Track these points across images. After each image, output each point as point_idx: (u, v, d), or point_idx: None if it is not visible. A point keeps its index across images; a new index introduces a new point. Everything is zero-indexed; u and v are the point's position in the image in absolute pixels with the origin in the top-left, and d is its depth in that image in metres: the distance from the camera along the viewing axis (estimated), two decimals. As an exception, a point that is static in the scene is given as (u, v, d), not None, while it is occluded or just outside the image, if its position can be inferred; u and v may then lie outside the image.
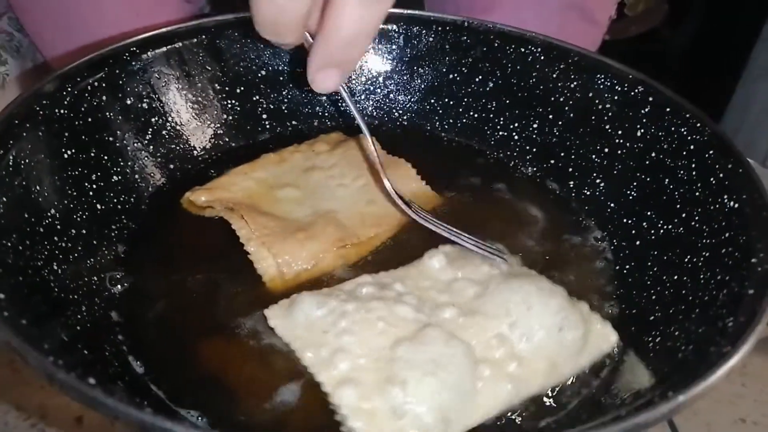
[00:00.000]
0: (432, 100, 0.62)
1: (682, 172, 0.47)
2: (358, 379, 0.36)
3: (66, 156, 0.45)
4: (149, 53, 0.52)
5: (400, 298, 0.41)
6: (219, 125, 0.57)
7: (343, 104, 0.62)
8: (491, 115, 0.60)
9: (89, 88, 0.47)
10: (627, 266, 0.47)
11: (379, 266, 0.46)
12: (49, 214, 0.41)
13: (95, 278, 0.43)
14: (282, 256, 0.45)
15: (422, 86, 0.62)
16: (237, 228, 0.47)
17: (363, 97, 0.63)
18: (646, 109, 0.51)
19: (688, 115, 0.48)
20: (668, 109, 0.49)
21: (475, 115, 0.61)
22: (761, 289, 0.33)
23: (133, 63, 0.51)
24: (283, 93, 0.60)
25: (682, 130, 0.48)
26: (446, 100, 0.62)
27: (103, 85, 0.49)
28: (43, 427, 0.79)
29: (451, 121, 0.62)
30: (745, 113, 1.24)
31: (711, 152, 0.45)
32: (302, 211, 0.49)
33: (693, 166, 0.46)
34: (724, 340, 0.31)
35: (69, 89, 0.46)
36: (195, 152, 0.55)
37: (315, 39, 0.37)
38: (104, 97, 0.49)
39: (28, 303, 0.33)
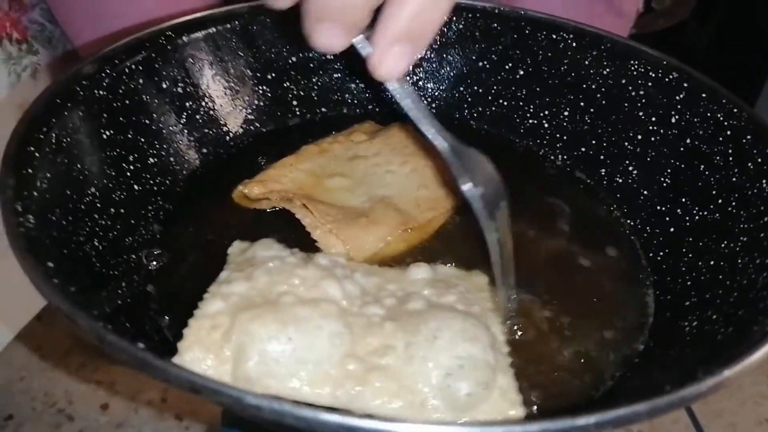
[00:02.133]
0: (461, 88, 0.62)
1: (718, 157, 0.46)
2: (234, 301, 0.36)
3: (105, 137, 0.46)
4: (184, 38, 0.52)
5: (343, 280, 0.40)
6: (251, 110, 0.57)
7: (374, 92, 0.63)
8: (521, 103, 0.60)
9: (127, 70, 0.48)
10: (660, 253, 0.47)
11: (439, 251, 0.46)
12: (89, 192, 0.42)
13: (133, 256, 0.43)
14: (351, 242, 0.45)
15: (451, 74, 0.62)
16: (301, 217, 0.47)
17: (392, 83, 0.63)
18: (681, 95, 0.50)
19: (724, 101, 0.47)
20: (704, 95, 0.49)
21: (505, 103, 0.61)
22: (804, 270, 0.33)
23: (169, 47, 0.51)
24: (314, 80, 0.61)
25: (719, 115, 0.47)
26: (475, 87, 0.62)
27: (140, 68, 0.49)
28: (69, 412, 0.81)
29: (480, 109, 0.62)
30: (775, 108, 1.22)
31: (748, 137, 0.44)
32: (357, 199, 0.49)
33: (730, 151, 0.46)
34: (766, 318, 0.31)
35: (108, 71, 0.47)
36: (228, 137, 0.56)
37: (383, 11, 0.32)
38: (141, 80, 0.49)
39: (73, 274, 0.34)
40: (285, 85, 0.59)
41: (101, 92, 0.46)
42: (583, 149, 0.57)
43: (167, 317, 0.41)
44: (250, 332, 0.34)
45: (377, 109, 0.63)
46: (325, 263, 0.40)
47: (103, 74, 0.46)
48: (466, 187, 0.37)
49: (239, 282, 0.38)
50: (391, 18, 0.31)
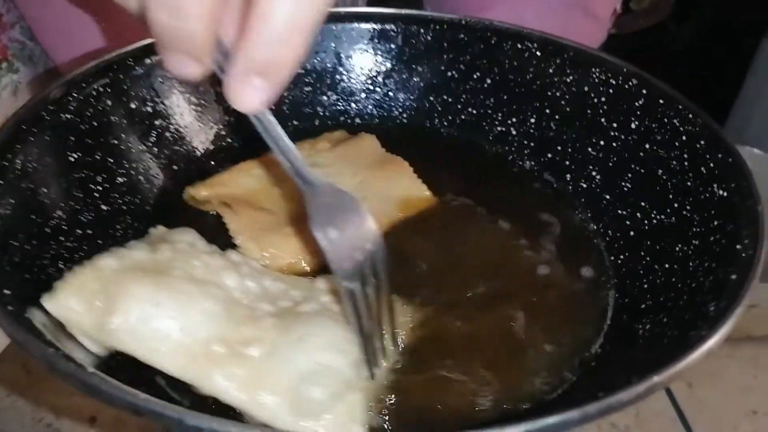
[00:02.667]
0: (431, 98, 0.63)
1: (674, 162, 0.47)
2: (127, 263, 0.37)
3: (72, 159, 0.46)
4: (153, 58, 0.53)
5: (246, 277, 0.40)
6: (221, 126, 0.58)
7: (345, 104, 0.64)
8: (489, 111, 0.61)
9: (94, 93, 0.49)
10: (621, 256, 0.48)
11: None
12: (55, 215, 0.43)
13: (101, 276, 0.44)
14: (267, 250, 0.46)
15: (421, 84, 0.63)
16: (228, 222, 0.48)
17: (363, 96, 0.64)
18: (640, 102, 0.51)
19: (680, 107, 0.48)
20: (661, 101, 0.50)
21: (474, 112, 0.62)
22: (744, 275, 0.34)
23: (137, 68, 0.52)
24: (285, 93, 0.62)
25: (675, 121, 0.48)
26: (445, 97, 0.63)
27: (108, 90, 0.50)
28: (57, 427, 0.81)
29: (450, 117, 0.63)
30: (754, 105, 1.23)
31: (702, 142, 0.45)
32: (296, 208, 0.50)
33: (685, 156, 0.47)
34: (704, 324, 0.32)
35: (75, 95, 0.48)
36: (198, 153, 0.57)
37: (236, 41, 0.30)
38: (109, 102, 0.50)
39: (33, 299, 0.35)
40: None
41: (68, 116, 0.47)
42: (549, 155, 0.58)
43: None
44: (124, 289, 0.35)
45: (349, 122, 0.64)
46: (235, 259, 0.41)
47: (70, 98, 0.47)
48: (317, 232, 0.34)
49: (141, 250, 0.38)
50: (244, 48, 0.29)
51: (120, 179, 0.50)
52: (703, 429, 0.86)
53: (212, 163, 0.57)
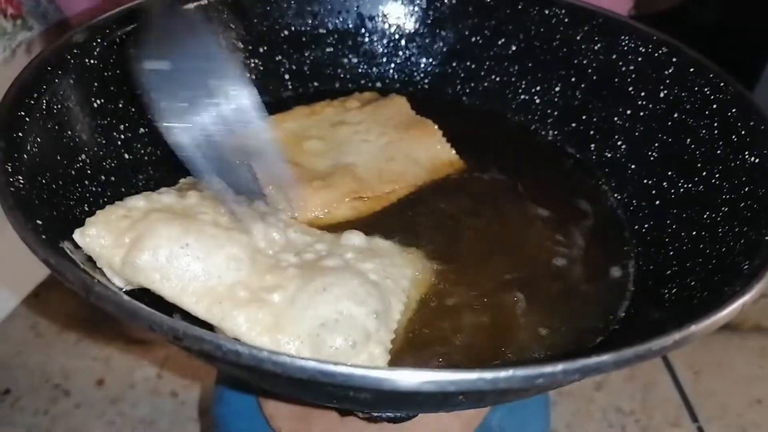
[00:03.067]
0: (454, 64, 0.62)
1: (704, 131, 0.47)
2: (156, 205, 0.38)
3: (96, 105, 0.46)
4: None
5: (271, 227, 0.40)
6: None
7: (366, 67, 0.63)
8: (513, 79, 0.60)
9: (118, 40, 0.49)
10: (646, 225, 0.48)
11: (384, 226, 0.46)
12: (80, 159, 0.43)
13: (123, 223, 0.44)
14: (295, 202, 0.46)
15: (444, 49, 0.62)
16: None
17: (384, 60, 0.63)
18: (670, 70, 0.51)
19: (711, 75, 0.48)
20: (692, 70, 0.49)
21: (497, 79, 0.61)
22: (779, 235, 0.33)
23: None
24: (306, 54, 0.61)
25: (706, 90, 0.48)
26: (468, 63, 0.62)
27: (132, 38, 0.49)
28: (66, 387, 0.82)
29: (473, 84, 0.62)
30: (775, 91, 1.22)
31: (734, 110, 0.45)
32: (323, 163, 0.50)
33: (715, 125, 0.46)
34: (738, 281, 0.32)
35: (98, 40, 0.47)
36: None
37: None
38: (132, 50, 0.50)
39: (62, 235, 0.35)
40: (277, 58, 0.60)
41: (92, 61, 0.46)
42: (573, 124, 0.57)
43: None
44: (152, 228, 0.36)
45: (369, 85, 0.63)
46: (263, 209, 0.41)
47: (94, 43, 0.47)
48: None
49: (170, 195, 0.39)
50: None
51: (142, 129, 0.49)
52: (708, 416, 0.86)
53: (233, 119, 0.56)
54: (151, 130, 0.50)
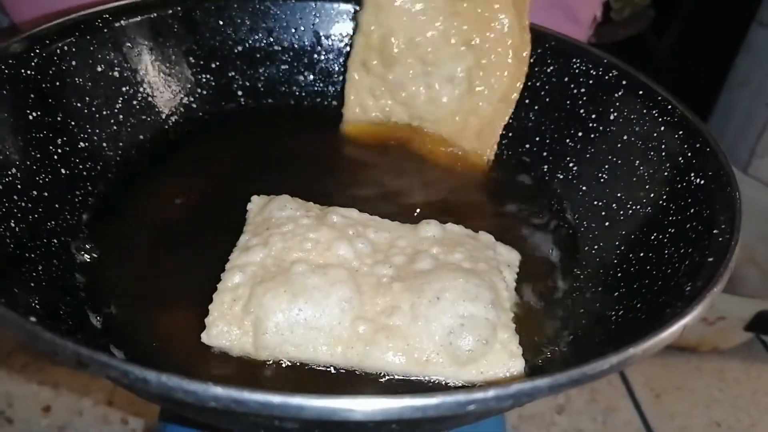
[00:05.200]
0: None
1: (652, 153, 0.47)
2: (251, 271, 0.39)
3: (31, 118, 0.44)
4: (122, 21, 0.51)
5: (355, 239, 0.42)
6: (192, 99, 0.56)
7: (323, 85, 0.62)
8: (468, 100, 0.60)
9: (58, 51, 0.47)
10: (596, 247, 0.47)
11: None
12: (9, 172, 0.41)
13: (55, 240, 0.42)
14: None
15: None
16: None
17: (341, 78, 0.62)
18: (620, 93, 0.51)
19: (659, 98, 0.48)
20: (641, 93, 0.49)
21: (453, 100, 0.61)
22: (720, 256, 0.33)
23: (105, 30, 0.50)
24: (260, 70, 0.60)
25: (654, 112, 0.48)
26: (424, 84, 0.62)
27: (73, 50, 0.48)
28: (9, 415, 0.78)
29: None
30: (728, 120, 1.26)
31: (680, 132, 0.45)
32: None
33: (663, 147, 0.46)
34: (680, 303, 0.31)
35: (37, 51, 0.45)
36: (167, 125, 0.54)
37: None
38: (74, 63, 0.48)
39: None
40: (230, 74, 0.58)
41: (29, 72, 0.45)
42: (527, 145, 0.57)
43: (90, 304, 0.40)
44: (264, 305, 0.37)
45: (326, 103, 0.62)
46: (337, 221, 0.43)
47: (32, 54, 0.45)
48: None
49: (257, 249, 0.40)
50: None
51: (81, 144, 0.48)
52: (669, 440, 0.86)
53: (181, 134, 0.55)
54: (91, 144, 0.49)
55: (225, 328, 0.37)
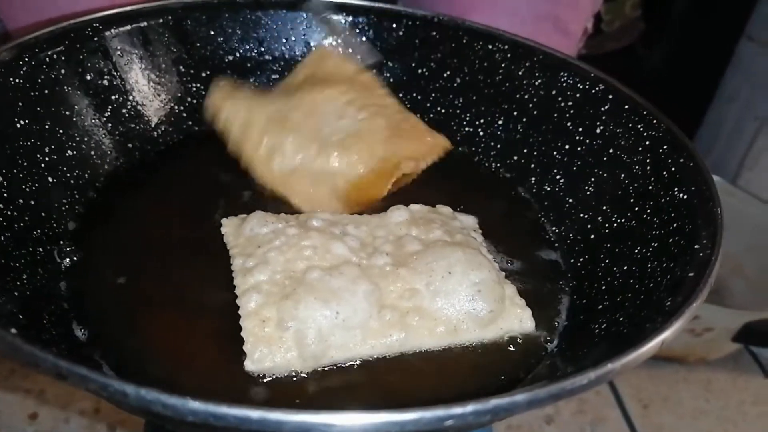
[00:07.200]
0: (400, 95, 0.62)
1: (637, 167, 0.47)
2: (266, 290, 0.39)
3: (19, 126, 0.44)
4: (113, 30, 0.51)
5: (343, 237, 0.43)
6: (182, 108, 0.56)
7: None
8: (458, 111, 0.61)
9: (48, 60, 0.47)
10: (581, 259, 0.48)
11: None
12: (-5, 181, 0.41)
13: (40, 249, 0.42)
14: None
15: (391, 80, 0.62)
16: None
17: (331, 88, 0.63)
18: (606, 107, 0.52)
19: (645, 112, 0.49)
20: (626, 107, 0.50)
21: (442, 111, 0.61)
22: (701, 272, 0.34)
23: (95, 39, 0.50)
24: (250, 80, 0.60)
25: (639, 126, 0.49)
26: (414, 94, 0.62)
27: (63, 58, 0.48)
28: (-5, 423, 0.77)
29: (418, 116, 0.62)
30: (717, 132, 1.27)
31: (665, 147, 0.46)
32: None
33: (647, 161, 0.47)
34: (660, 318, 0.31)
35: (26, 59, 0.45)
36: (155, 133, 0.55)
37: None
38: (63, 71, 0.48)
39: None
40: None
41: (17, 80, 0.45)
42: (515, 157, 0.57)
43: (74, 314, 0.39)
44: (301, 317, 0.38)
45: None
46: (319, 225, 0.44)
47: (21, 62, 0.45)
48: None
49: (260, 268, 0.41)
50: None
51: (69, 152, 0.48)
52: (657, 450, 0.87)
53: (169, 143, 0.55)
54: (79, 153, 0.49)
55: (266, 350, 0.37)
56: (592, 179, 0.51)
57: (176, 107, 0.56)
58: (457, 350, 0.40)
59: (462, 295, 0.41)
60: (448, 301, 0.41)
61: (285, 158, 0.50)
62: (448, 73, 0.60)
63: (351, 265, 0.41)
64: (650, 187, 0.45)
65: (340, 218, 0.46)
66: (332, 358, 0.38)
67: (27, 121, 0.45)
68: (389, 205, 0.49)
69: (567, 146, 0.54)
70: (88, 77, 0.50)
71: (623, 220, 0.46)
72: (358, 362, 0.39)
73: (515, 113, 0.58)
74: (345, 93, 0.55)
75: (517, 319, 0.42)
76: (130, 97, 0.53)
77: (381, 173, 0.52)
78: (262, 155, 0.50)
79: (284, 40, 0.61)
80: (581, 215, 0.50)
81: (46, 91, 0.47)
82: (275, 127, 0.51)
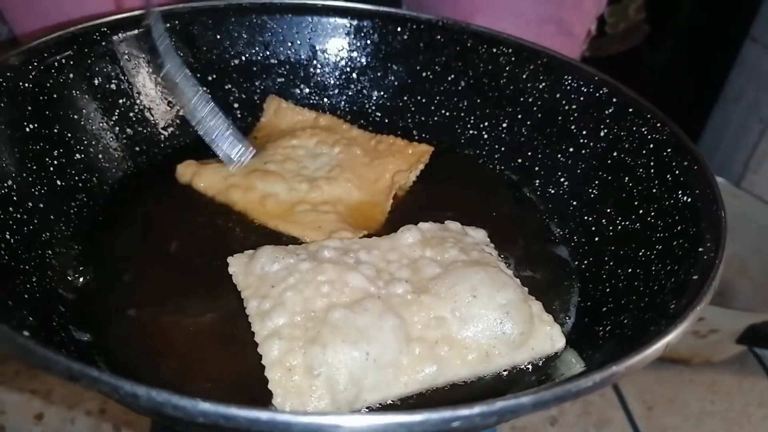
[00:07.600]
0: (405, 98, 0.63)
1: (641, 170, 0.48)
2: (287, 334, 0.37)
3: (28, 130, 0.45)
4: (120, 35, 0.52)
5: (358, 266, 0.41)
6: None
7: (318, 98, 0.63)
8: (462, 114, 0.61)
9: (56, 64, 0.48)
10: (585, 261, 0.48)
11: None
12: (6, 184, 0.41)
13: (49, 252, 0.42)
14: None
15: (396, 83, 0.63)
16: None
17: (336, 91, 0.63)
18: (610, 110, 0.52)
19: (648, 115, 0.49)
20: (630, 110, 0.50)
21: (447, 113, 0.62)
22: (705, 275, 0.34)
23: (103, 43, 0.51)
24: (256, 83, 0.61)
25: (643, 129, 0.49)
26: (419, 97, 0.62)
27: (71, 63, 0.49)
28: (1, 422, 0.78)
29: (423, 118, 0.62)
30: (722, 134, 1.27)
31: (669, 150, 0.46)
32: None
33: (651, 164, 0.47)
34: (664, 320, 0.32)
35: (35, 64, 0.46)
36: (162, 136, 0.55)
37: None
38: (71, 75, 0.49)
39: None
40: (226, 87, 0.59)
41: (27, 85, 0.45)
42: (519, 160, 0.58)
43: (79, 316, 0.40)
44: (330, 362, 0.35)
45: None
46: (331, 255, 0.42)
47: (30, 67, 0.46)
48: None
49: (277, 311, 0.38)
50: None
51: (78, 156, 0.48)
52: (661, 452, 0.87)
53: (177, 147, 0.55)
54: (87, 156, 0.49)
55: (297, 402, 0.35)
56: (597, 182, 0.51)
57: (183, 110, 0.56)
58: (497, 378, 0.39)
59: (490, 319, 0.38)
60: (477, 327, 0.38)
61: (279, 199, 0.50)
62: (453, 76, 0.61)
63: (373, 299, 0.38)
64: (654, 190, 0.45)
65: (350, 244, 0.44)
66: (366, 401, 0.36)
67: (36, 125, 0.45)
68: (396, 219, 0.49)
69: (571, 149, 0.54)
70: (96, 81, 0.50)
71: (627, 222, 0.46)
72: (389, 402, 0.37)
73: (519, 116, 0.58)
74: (312, 137, 0.56)
75: (548, 337, 0.40)
76: (138, 101, 0.54)
77: (378, 192, 0.52)
78: (255, 200, 0.49)
79: (290, 44, 0.61)
80: (585, 217, 0.51)
81: (55, 96, 0.47)
82: (259, 178, 0.50)
